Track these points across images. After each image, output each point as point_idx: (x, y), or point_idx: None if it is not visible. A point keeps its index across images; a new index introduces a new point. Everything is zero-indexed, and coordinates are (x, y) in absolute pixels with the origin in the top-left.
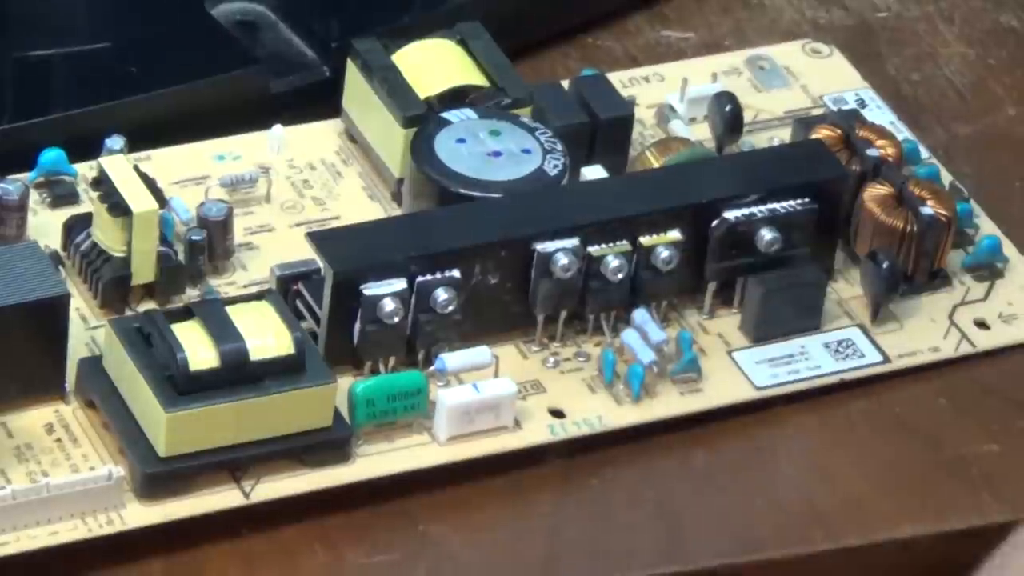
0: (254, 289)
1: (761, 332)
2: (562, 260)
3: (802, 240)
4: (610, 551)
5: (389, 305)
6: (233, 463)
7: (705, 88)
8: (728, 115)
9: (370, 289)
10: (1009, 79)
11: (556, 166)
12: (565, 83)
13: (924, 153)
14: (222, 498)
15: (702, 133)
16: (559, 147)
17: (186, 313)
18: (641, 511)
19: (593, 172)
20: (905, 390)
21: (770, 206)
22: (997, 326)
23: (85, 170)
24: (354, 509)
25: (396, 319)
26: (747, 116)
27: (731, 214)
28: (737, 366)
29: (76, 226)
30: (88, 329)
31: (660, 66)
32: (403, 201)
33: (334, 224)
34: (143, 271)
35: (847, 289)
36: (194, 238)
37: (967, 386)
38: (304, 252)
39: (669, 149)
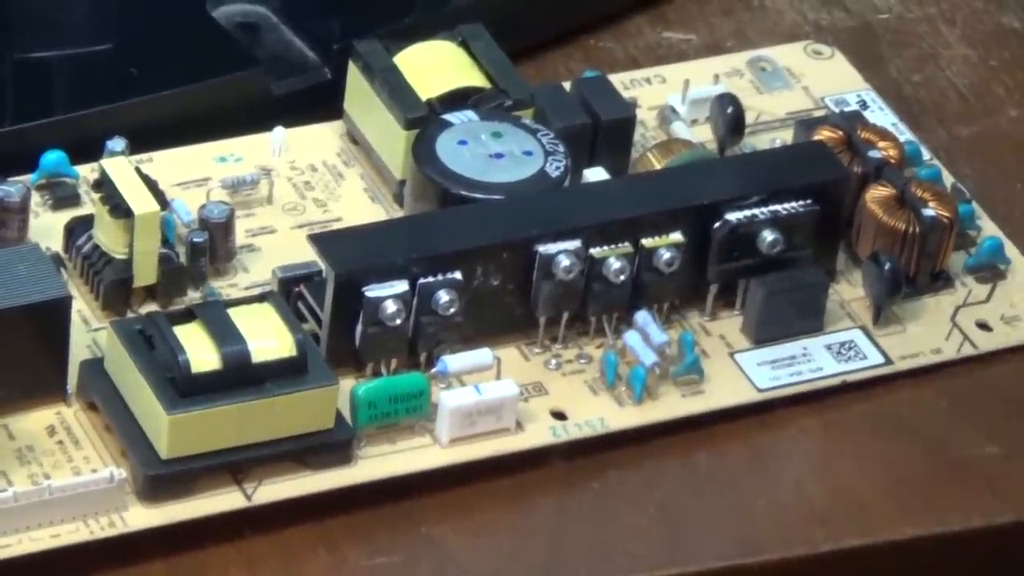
0: (256, 291)
1: (763, 334)
2: (564, 262)
3: (804, 242)
4: (612, 553)
5: (391, 307)
6: (235, 465)
7: (707, 90)
8: (730, 117)
9: (372, 291)
10: (1011, 80)
11: (558, 168)
12: (567, 85)
13: (926, 155)
14: (224, 500)
15: (704, 135)
16: (561, 149)
17: (188, 315)
18: (643, 513)
19: (595, 174)
20: (907, 392)
21: (772, 208)
22: (999, 328)
23: (87, 172)
24: (356, 511)
25: (398, 321)
26: (749, 118)
27: (733, 216)
28: (739, 368)
29: (77, 228)
30: (90, 331)
31: (662, 68)
32: (405, 203)
33: (336, 226)
34: (145, 273)
35: (849, 291)
36: (196, 240)
37: (969, 388)
38: (306, 254)
39: (671, 151)
